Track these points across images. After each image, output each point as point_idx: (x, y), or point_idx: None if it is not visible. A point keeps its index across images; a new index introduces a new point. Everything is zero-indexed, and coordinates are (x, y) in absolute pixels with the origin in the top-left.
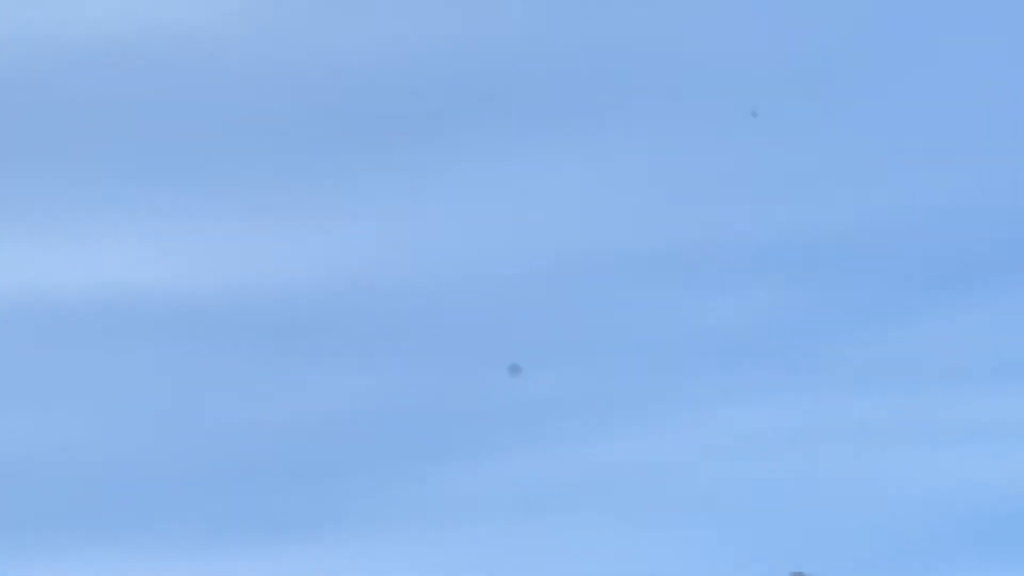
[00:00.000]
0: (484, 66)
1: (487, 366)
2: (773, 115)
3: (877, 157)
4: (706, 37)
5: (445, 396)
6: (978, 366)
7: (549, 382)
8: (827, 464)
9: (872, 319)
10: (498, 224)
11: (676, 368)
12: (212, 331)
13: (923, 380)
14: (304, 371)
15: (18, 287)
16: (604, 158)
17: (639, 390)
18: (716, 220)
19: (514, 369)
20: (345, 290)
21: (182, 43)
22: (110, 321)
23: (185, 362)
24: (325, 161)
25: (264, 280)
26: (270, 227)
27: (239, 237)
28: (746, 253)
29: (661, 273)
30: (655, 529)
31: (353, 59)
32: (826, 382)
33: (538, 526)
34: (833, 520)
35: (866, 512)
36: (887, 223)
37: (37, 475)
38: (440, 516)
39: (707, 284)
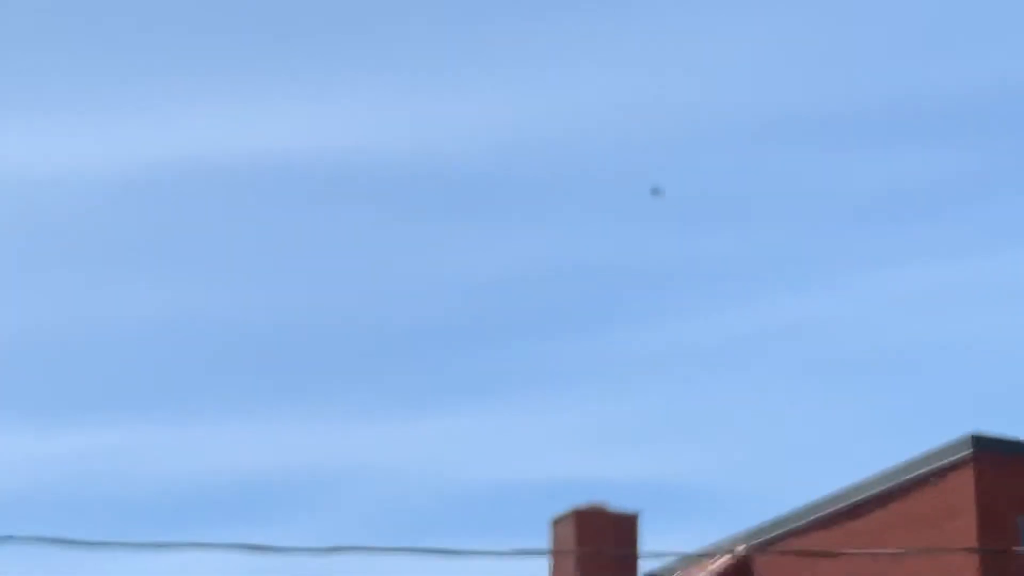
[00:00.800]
0: None
1: (654, 225)
2: None
3: None
4: None
5: (618, 255)
6: None
7: (716, 243)
8: (997, 321)
9: None
10: (653, 81)
11: (844, 227)
12: (383, 193)
13: None
14: (479, 230)
15: (204, 150)
16: (761, 22)
17: (806, 250)
18: (876, 82)
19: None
20: (514, 149)
21: None
22: (283, 184)
23: (357, 224)
24: (482, 19)
25: (432, 141)
26: (432, 87)
27: (402, 98)
28: (908, 112)
29: (823, 134)
30: (827, 385)
31: None
32: (991, 240)
33: (713, 382)
34: (1005, 377)
35: None
36: None
37: (211, 334)
38: (619, 373)
39: (869, 144)
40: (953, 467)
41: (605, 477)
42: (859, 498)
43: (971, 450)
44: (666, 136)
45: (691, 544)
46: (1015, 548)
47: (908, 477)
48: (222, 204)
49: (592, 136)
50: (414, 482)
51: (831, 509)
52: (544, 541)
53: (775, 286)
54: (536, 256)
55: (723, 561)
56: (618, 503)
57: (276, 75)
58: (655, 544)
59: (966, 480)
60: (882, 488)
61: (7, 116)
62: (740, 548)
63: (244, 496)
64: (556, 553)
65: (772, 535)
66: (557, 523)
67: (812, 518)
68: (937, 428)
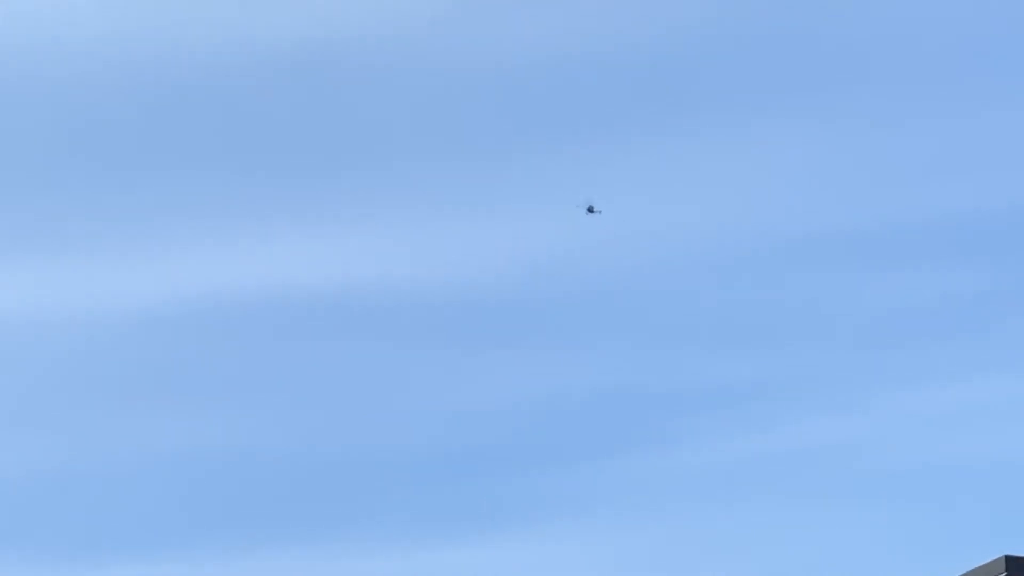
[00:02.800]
0: (663, 58)
1: (676, 350)
2: (955, 100)
3: None
4: (892, 23)
5: (636, 381)
6: None
7: (737, 366)
8: (1015, 442)
9: None
10: (680, 210)
11: (862, 349)
12: (411, 323)
13: None
14: (502, 359)
15: (221, 286)
16: (783, 145)
17: (827, 372)
18: (896, 202)
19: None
20: (538, 278)
21: (344, 49)
22: (314, 316)
23: (388, 354)
24: (511, 154)
25: (457, 272)
26: (460, 220)
27: (432, 231)
28: (931, 234)
29: (843, 255)
30: (857, 507)
31: (527, 51)
32: (1012, 361)
33: (731, 507)
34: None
35: None
36: None
37: (247, 467)
38: (636, 500)
39: (889, 266)
40: None
41: None
42: None
43: (1004, 571)
44: (688, 261)
45: None
46: None
47: None
48: (247, 338)
49: (613, 260)
50: None
51: None
52: None
53: (801, 408)
54: (560, 382)
55: None
56: None
57: (299, 211)
58: None
59: None
60: None
61: (27, 258)
62: None
63: None
64: None
65: None
66: None
67: None
68: (970, 549)
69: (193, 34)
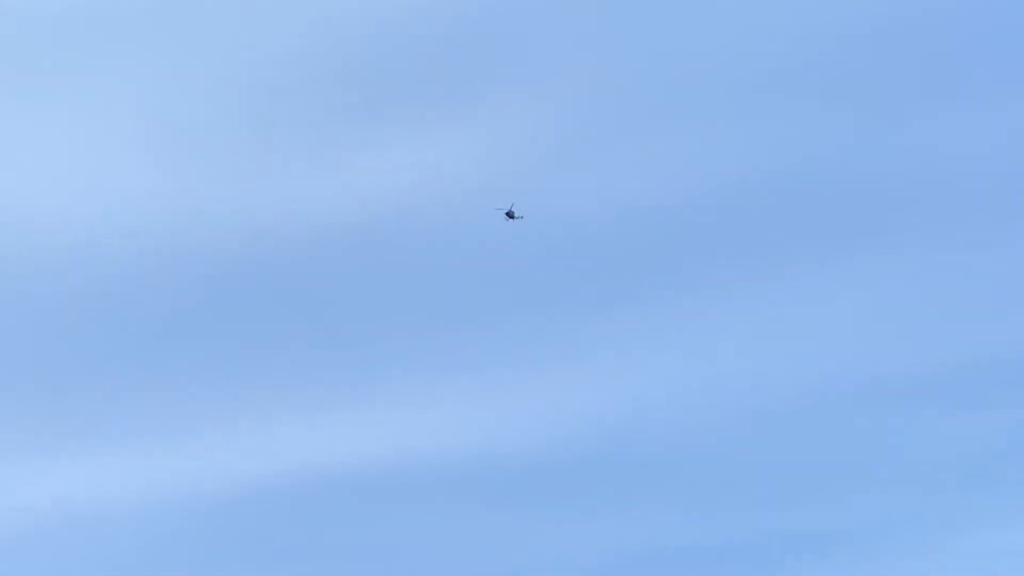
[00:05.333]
0: (735, 203)
1: (748, 500)
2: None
3: None
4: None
5: (704, 534)
6: None
7: (815, 513)
8: None
9: None
10: (750, 358)
11: (938, 492)
12: (475, 490)
13: None
14: (561, 522)
15: (306, 460)
16: (857, 287)
17: (909, 516)
18: (969, 342)
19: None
20: (601, 438)
21: (401, 221)
22: (380, 485)
23: (451, 520)
24: (557, 319)
25: (521, 438)
26: (517, 386)
27: (491, 399)
28: (1006, 373)
29: (920, 397)
30: None
31: (570, 213)
32: None
33: None
34: None
35: None
36: None
37: None
38: None
39: (967, 406)
40: None
41: None
42: None
43: None
44: (757, 410)
45: None
46: None
47: None
48: (332, 511)
49: (674, 417)
50: None
51: None
52: None
53: (881, 552)
54: (634, 540)
55: None
56: None
57: (367, 384)
58: None
59: None
60: None
61: (84, 449)
62: None
63: None
64: None
65: None
66: None
67: None
68: None
69: (264, 220)
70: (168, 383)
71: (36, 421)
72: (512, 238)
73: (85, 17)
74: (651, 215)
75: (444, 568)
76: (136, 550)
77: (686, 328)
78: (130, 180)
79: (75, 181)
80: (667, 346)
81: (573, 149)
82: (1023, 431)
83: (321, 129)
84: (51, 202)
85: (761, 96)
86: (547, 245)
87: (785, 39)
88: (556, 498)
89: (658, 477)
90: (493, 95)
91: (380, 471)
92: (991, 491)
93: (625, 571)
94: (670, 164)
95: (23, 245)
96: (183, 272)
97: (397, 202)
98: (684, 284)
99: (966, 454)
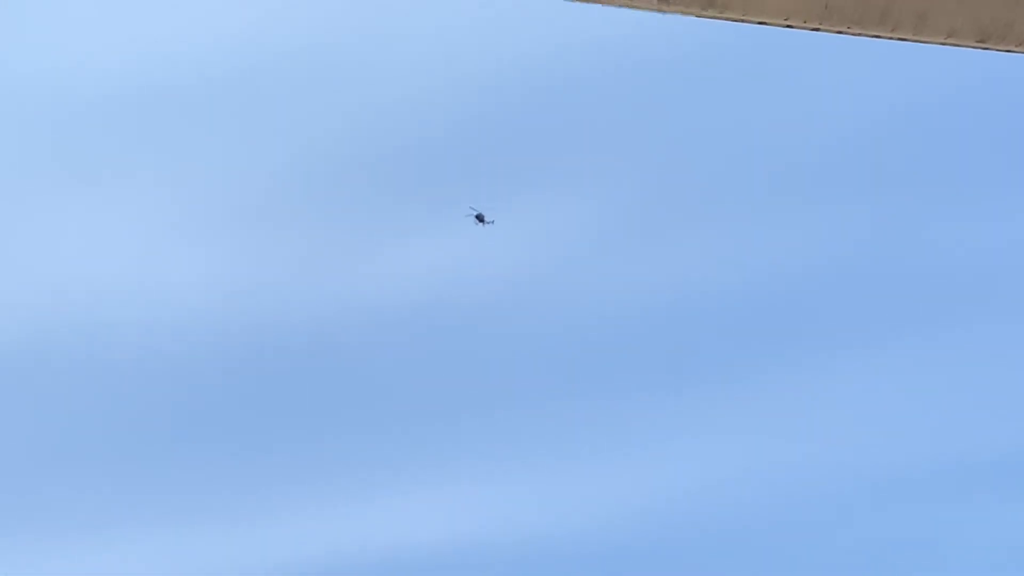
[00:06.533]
0: (780, 294)
1: None
2: None
3: None
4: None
5: None
6: None
7: None
8: None
9: None
10: (798, 446)
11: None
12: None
13: None
14: None
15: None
16: (906, 373)
17: None
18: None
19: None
20: (671, 520)
21: (467, 298)
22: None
23: None
24: (626, 399)
25: (588, 519)
26: (564, 474)
27: (540, 485)
28: None
29: (980, 485)
30: None
31: (633, 296)
32: None
33: None
34: None
35: None
36: None
37: None
38: None
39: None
40: None
41: None
42: None
43: None
44: (810, 496)
45: None
46: None
47: None
48: None
49: (741, 499)
50: None
51: None
52: None
53: None
54: None
55: None
56: None
57: (417, 468)
58: None
59: None
60: None
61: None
62: None
63: None
64: None
65: None
66: None
67: None
68: None
69: (317, 304)
70: (216, 470)
71: (117, 499)
72: (558, 326)
73: (133, 104)
74: (695, 303)
75: None
76: None
77: (729, 416)
78: (181, 267)
79: (125, 268)
80: (715, 432)
81: (617, 240)
82: None
83: (363, 218)
84: (106, 289)
85: (804, 187)
86: (594, 332)
87: (813, 135)
88: None
89: (699, 567)
90: (537, 187)
91: (429, 554)
92: None
93: None
94: (705, 256)
95: (71, 331)
96: (228, 360)
97: (439, 288)
98: (719, 374)
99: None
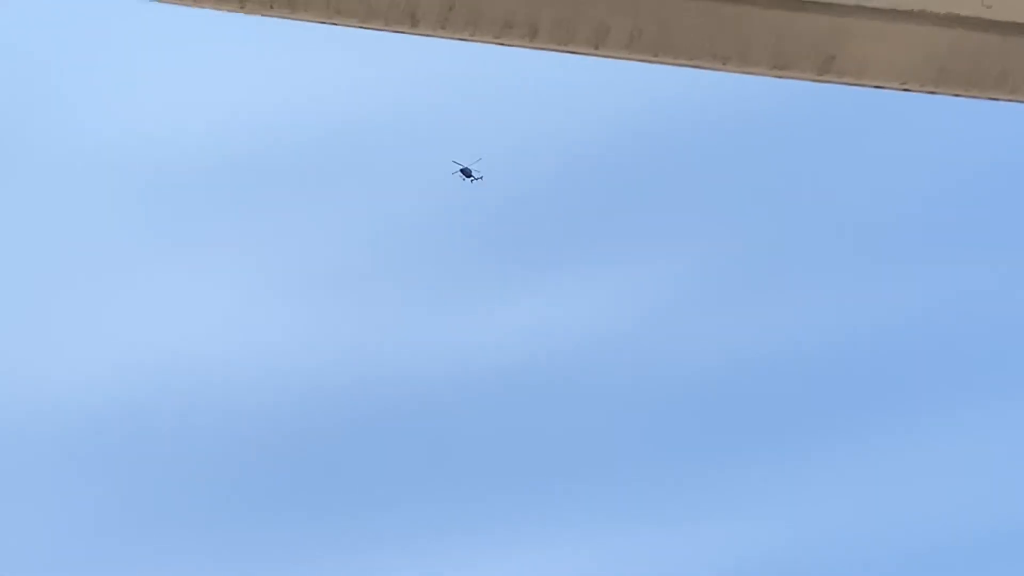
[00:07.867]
0: (882, 347)
1: None
2: None
3: None
4: None
5: None
6: None
7: None
8: None
9: None
10: (906, 503)
11: None
12: None
13: None
14: None
15: None
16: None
17: None
18: None
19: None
20: None
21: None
22: None
23: None
24: (718, 463)
25: None
26: (645, 532)
27: (655, 541)
28: None
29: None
30: None
31: (707, 358)
32: None
33: None
34: None
35: None
36: None
37: None
38: None
39: None
40: None
41: None
42: None
43: None
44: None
45: None
46: None
47: None
48: None
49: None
50: None
51: None
52: None
53: None
54: None
55: None
56: None
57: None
58: None
59: None
60: None
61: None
62: None
63: None
64: None
65: None
66: None
67: None
68: None
69: (403, 367)
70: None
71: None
72: (641, 387)
73: (231, 166)
74: (784, 365)
75: None
76: None
77: (811, 480)
78: (278, 326)
79: (226, 328)
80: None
81: (703, 301)
82: None
83: (455, 279)
84: (208, 349)
85: (892, 245)
86: (676, 393)
87: (911, 189)
88: None
89: None
90: (625, 251)
91: None
92: None
93: None
94: (797, 314)
95: (174, 389)
96: (324, 418)
97: (531, 350)
98: (816, 435)
99: None
